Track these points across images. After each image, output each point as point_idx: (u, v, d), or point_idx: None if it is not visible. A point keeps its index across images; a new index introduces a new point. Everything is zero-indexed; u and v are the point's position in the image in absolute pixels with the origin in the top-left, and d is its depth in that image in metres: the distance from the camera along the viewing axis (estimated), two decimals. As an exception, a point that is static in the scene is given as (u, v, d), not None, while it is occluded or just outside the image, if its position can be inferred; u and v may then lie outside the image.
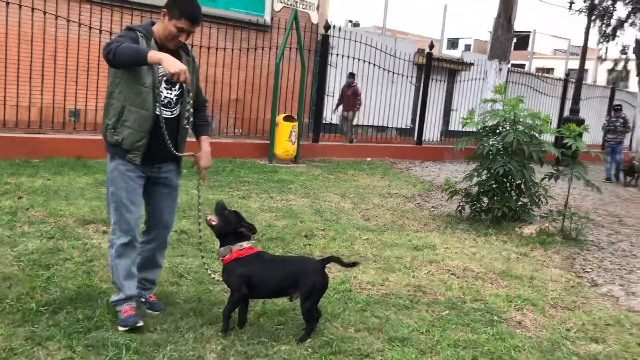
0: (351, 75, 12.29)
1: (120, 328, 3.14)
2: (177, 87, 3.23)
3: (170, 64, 2.88)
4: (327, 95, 12.04)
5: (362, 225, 6.07)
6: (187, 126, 3.33)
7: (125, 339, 3.01)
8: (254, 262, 3.29)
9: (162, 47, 3.13)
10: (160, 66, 3.00)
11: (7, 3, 7.90)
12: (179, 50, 3.24)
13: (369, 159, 11.45)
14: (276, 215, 6.11)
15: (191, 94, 3.24)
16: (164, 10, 3.14)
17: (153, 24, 3.23)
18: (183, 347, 3.04)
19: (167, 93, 3.20)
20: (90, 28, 8.70)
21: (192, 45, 9.92)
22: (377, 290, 4.22)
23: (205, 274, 4.14)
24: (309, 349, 3.18)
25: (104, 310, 3.32)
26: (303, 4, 10.94)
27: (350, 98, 12.40)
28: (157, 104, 3.13)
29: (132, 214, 3.22)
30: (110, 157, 3.24)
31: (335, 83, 12.18)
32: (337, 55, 11.81)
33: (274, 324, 3.43)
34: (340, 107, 12.56)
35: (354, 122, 12.75)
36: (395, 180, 9.34)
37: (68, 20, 8.38)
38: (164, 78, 3.14)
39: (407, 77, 13.51)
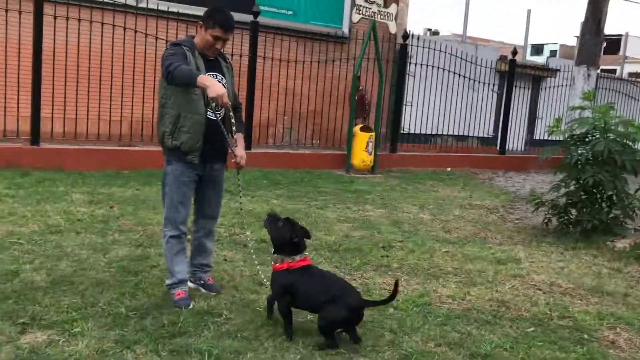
0: (357, 80, 10.62)
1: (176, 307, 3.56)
2: None
3: (212, 90, 3.27)
4: (406, 105, 11.93)
5: (441, 237, 5.95)
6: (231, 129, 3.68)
7: (207, 346, 3.09)
8: (301, 275, 3.32)
9: (203, 56, 3.57)
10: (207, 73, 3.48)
11: (102, 24, 8.39)
12: (217, 58, 3.65)
13: (448, 169, 11.23)
14: (353, 225, 6.11)
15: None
16: (200, 22, 3.60)
17: (193, 37, 3.67)
18: (263, 355, 3.08)
19: None
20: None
21: (273, 59, 10.15)
22: (457, 304, 4.11)
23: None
24: (388, 362, 3.14)
25: (187, 317, 3.42)
26: (381, 15, 10.94)
27: (357, 105, 11.02)
28: (207, 108, 3.55)
29: (181, 214, 3.67)
30: (166, 161, 3.68)
31: (414, 92, 12.06)
32: (416, 64, 11.70)
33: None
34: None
35: None
36: (477, 191, 9.10)
37: (156, 38, 8.78)
38: None
39: (489, 84, 13.17)
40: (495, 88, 13.60)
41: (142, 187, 7.01)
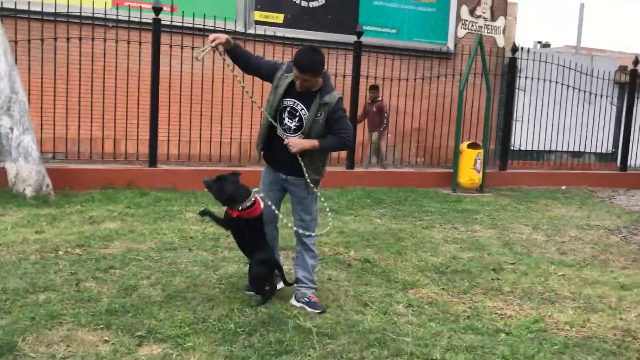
0: (374, 89, 10.24)
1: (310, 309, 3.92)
2: (296, 119, 3.87)
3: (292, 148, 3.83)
4: (516, 121, 11.47)
5: (557, 260, 5.60)
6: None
7: (313, 365, 3.08)
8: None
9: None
10: (285, 99, 3.87)
11: (214, 49, 8.81)
12: (314, 92, 3.83)
13: (563, 187, 10.60)
14: (461, 247, 5.91)
15: (304, 130, 3.86)
16: None
17: None
18: (368, 378, 3.03)
19: (289, 122, 3.90)
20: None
21: (376, 77, 10.17)
22: (576, 331, 3.83)
23: (389, 305, 4.12)
24: (500, 392, 2.97)
25: (293, 335, 3.44)
26: (488, 29, 10.63)
27: (375, 116, 10.33)
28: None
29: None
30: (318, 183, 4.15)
31: (524, 107, 11.57)
32: (526, 78, 11.23)
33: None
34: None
35: (384, 144, 10.61)
36: (596, 211, 8.50)
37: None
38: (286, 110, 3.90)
39: (607, 97, 12.36)
40: (614, 100, 12.74)
41: (250, 206, 7.21)
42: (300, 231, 4.07)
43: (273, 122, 3.94)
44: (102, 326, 3.45)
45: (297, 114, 3.88)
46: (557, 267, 5.29)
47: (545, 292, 4.61)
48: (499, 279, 4.88)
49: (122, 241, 5.29)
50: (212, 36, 3.86)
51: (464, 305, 4.25)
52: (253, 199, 3.98)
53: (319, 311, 3.89)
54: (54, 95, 8.14)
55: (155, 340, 3.33)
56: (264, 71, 4.01)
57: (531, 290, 4.65)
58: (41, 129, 7.99)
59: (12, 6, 7.85)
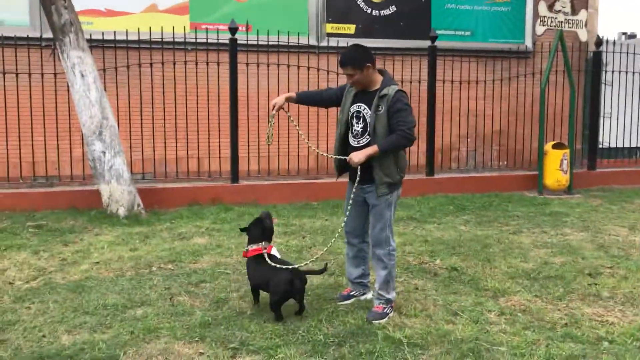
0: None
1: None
2: (361, 121, 3.95)
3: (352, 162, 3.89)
4: (604, 117, 10.90)
5: (660, 262, 5.25)
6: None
7: (406, 376, 3.03)
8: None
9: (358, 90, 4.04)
10: (352, 107, 4.02)
11: (288, 65, 8.98)
12: (372, 91, 3.92)
13: (660, 185, 9.96)
14: (552, 251, 5.66)
15: (369, 130, 3.91)
16: None
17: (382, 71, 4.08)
18: (464, 389, 2.94)
19: (356, 125, 3.99)
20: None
21: (453, 81, 9.98)
22: (689, 339, 3.56)
23: (480, 313, 4.00)
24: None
25: (384, 346, 3.41)
26: (569, 23, 10.22)
27: None
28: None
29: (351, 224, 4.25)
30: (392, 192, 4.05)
31: (612, 103, 10.98)
32: (613, 71, 10.67)
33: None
34: None
35: None
36: (699, 208, 7.92)
37: (337, 74, 9.14)
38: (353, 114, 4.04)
39: (703, 86, 11.53)
40: None
41: (329, 218, 7.26)
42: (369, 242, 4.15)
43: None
44: (196, 339, 3.56)
45: (361, 114, 3.96)
46: (661, 270, 4.96)
47: (649, 297, 4.33)
48: (596, 284, 4.63)
49: (211, 256, 5.45)
50: (271, 104, 4.18)
51: (560, 312, 4.06)
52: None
53: (371, 319, 3.88)
54: (141, 119, 8.54)
55: (248, 351, 3.39)
56: (336, 98, 4.19)
57: (633, 295, 4.38)
58: (130, 151, 8.40)
59: (99, 37, 8.33)
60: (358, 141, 3.98)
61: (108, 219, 6.92)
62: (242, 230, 4.24)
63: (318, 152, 4.58)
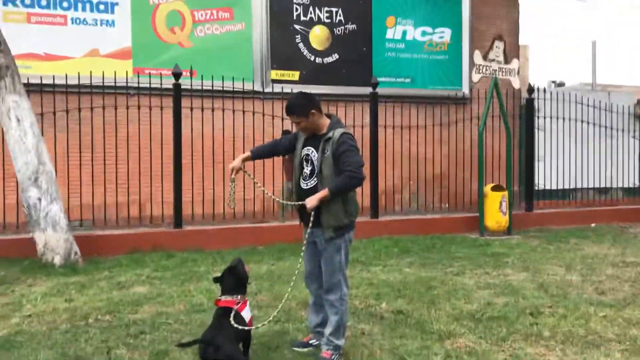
0: (286, 133, 8.72)
1: None
2: (309, 164, 4.00)
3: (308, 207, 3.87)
4: (538, 161, 11.37)
5: (596, 300, 5.41)
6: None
7: None
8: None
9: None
10: (303, 150, 4.07)
11: (233, 110, 8.99)
12: (319, 135, 3.98)
13: (593, 225, 10.39)
14: (495, 292, 5.76)
15: (316, 172, 3.95)
16: None
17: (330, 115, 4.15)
18: None
19: (305, 168, 4.03)
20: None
21: (394, 126, 10.23)
22: (626, 376, 3.66)
23: (426, 357, 3.98)
24: None
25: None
26: (503, 72, 10.73)
27: (290, 163, 9.34)
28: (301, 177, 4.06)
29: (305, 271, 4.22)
30: (341, 235, 4.04)
31: (545, 147, 11.50)
32: (545, 117, 11.21)
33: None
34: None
35: None
36: (630, 247, 8.28)
37: (282, 119, 9.22)
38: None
39: (628, 131, 12.26)
40: (636, 134, 12.61)
41: (276, 262, 7.17)
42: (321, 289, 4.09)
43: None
44: (135, 394, 3.38)
45: (309, 157, 4.01)
46: (597, 308, 5.11)
47: (587, 335, 4.44)
48: (537, 324, 4.72)
49: (151, 305, 5.26)
50: (228, 169, 4.20)
51: (504, 353, 4.10)
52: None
53: None
54: (80, 164, 8.31)
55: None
56: (290, 145, 4.23)
57: (572, 333, 4.48)
58: (68, 197, 8.12)
59: (37, 81, 8.13)
60: (307, 183, 4.01)
61: (43, 269, 6.61)
62: (216, 280, 4.01)
63: (278, 200, 4.87)
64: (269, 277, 6.36)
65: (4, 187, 7.96)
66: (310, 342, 4.21)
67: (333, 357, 3.90)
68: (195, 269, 6.74)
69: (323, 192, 3.84)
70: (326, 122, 4.03)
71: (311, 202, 3.86)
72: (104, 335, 4.44)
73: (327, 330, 3.98)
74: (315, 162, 3.95)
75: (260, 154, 4.35)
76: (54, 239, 6.85)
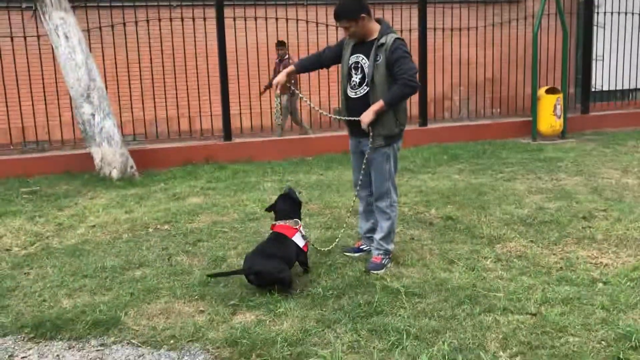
0: (281, 45, 8.94)
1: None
2: (359, 72, 3.87)
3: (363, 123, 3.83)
4: (596, 60, 10.80)
5: (653, 203, 5.29)
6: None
7: (405, 325, 3.08)
8: None
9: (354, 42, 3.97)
10: (350, 58, 3.94)
11: (276, 19, 8.79)
12: (369, 42, 3.85)
13: (653, 127, 9.97)
14: (547, 196, 5.68)
15: (367, 80, 3.83)
16: None
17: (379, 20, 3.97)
18: (462, 334, 2.99)
19: (354, 76, 3.91)
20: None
21: (444, 29, 9.83)
22: (681, 277, 3.62)
23: (476, 261, 4.04)
24: (603, 342, 2.87)
25: (382, 297, 3.45)
26: (560, -36, 9.98)
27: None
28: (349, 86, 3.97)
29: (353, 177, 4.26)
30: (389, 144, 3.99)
31: (604, 46, 10.87)
32: (605, 13, 10.51)
33: (558, 314, 3.16)
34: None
35: (297, 109, 9.15)
36: (691, 148, 7.95)
37: (327, 25, 8.97)
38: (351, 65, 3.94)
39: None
40: None
41: (325, 172, 7.25)
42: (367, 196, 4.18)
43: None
44: (196, 297, 3.59)
45: (359, 65, 3.87)
46: (654, 211, 5.00)
47: (642, 237, 4.38)
48: (590, 227, 4.67)
49: (207, 215, 5.45)
50: (274, 84, 4.14)
51: (556, 256, 4.11)
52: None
53: (370, 269, 3.91)
54: (129, 79, 8.41)
55: (249, 307, 3.42)
56: (336, 55, 4.08)
57: (627, 236, 4.42)
58: (120, 112, 8.30)
59: (81, -4, 8.12)
60: (356, 92, 3.91)
61: (102, 182, 6.89)
62: (268, 209, 4.08)
63: (329, 115, 4.67)
64: (319, 186, 6.46)
65: (59, 104, 8.18)
66: (361, 247, 4.30)
67: (383, 261, 3.99)
68: (247, 180, 6.89)
69: (378, 104, 3.76)
70: (376, 27, 3.87)
71: (367, 116, 3.78)
72: (164, 243, 4.66)
73: (378, 235, 4.06)
74: (367, 70, 3.83)
75: (306, 66, 4.25)
76: (109, 153, 7.08)
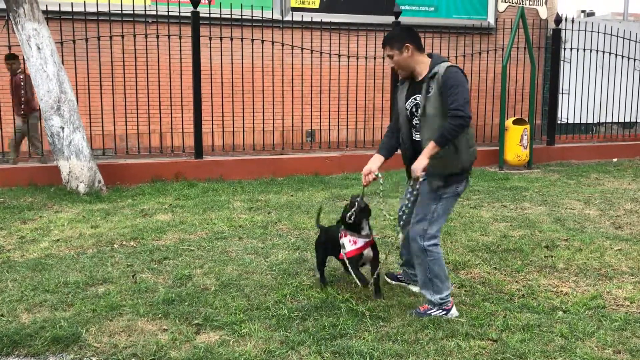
0: (11, 58, 7.73)
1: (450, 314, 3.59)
2: (419, 112, 3.55)
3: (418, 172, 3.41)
4: (562, 94, 11.14)
5: (612, 234, 5.44)
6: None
7: (369, 348, 3.09)
8: None
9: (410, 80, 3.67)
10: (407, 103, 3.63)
11: (252, 40, 8.87)
12: (423, 79, 3.54)
13: (615, 160, 10.28)
14: (511, 225, 5.80)
15: (420, 112, 3.54)
16: None
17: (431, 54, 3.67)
18: (425, 359, 3.02)
19: (414, 119, 3.61)
20: (320, 54, 9.35)
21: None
22: (637, 307, 3.73)
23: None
24: (560, 370, 2.93)
25: (347, 319, 3.46)
26: (530, 1, 10.33)
27: (15, 95, 7.85)
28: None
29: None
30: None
31: (570, 80, 11.23)
32: (571, 49, 10.89)
33: (518, 340, 3.22)
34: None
35: (36, 128, 8.01)
36: (650, 182, 8.22)
37: (302, 49, 9.08)
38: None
39: (657, 64, 11.88)
40: (667, 67, 12.22)
41: (295, 193, 7.27)
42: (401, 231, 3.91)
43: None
44: (160, 315, 3.55)
45: (419, 106, 3.55)
46: (613, 242, 5.15)
47: (601, 268, 4.50)
48: (552, 256, 4.78)
49: (174, 232, 5.41)
50: (365, 172, 3.70)
51: (518, 284, 4.19)
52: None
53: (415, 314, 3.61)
54: (101, 93, 8.35)
55: (212, 327, 3.40)
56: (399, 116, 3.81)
57: (587, 266, 4.54)
58: (90, 126, 8.22)
59: (56, 8, 8.06)
60: (419, 134, 3.58)
61: (68, 196, 6.79)
62: (341, 222, 3.90)
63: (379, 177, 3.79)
64: (289, 207, 6.47)
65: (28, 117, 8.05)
66: (399, 277, 4.16)
67: (429, 312, 3.58)
68: (217, 198, 6.87)
69: (429, 147, 3.38)
70: (427, 61, 3.56)
71: (419, 163, 3.38)
72: (129, 260, 4.61)
73: (419, 284, 3.74)
74: (421, 106, 3.51)
75: (391, 149, 3.85)
76: (77, 167, 6.99)
